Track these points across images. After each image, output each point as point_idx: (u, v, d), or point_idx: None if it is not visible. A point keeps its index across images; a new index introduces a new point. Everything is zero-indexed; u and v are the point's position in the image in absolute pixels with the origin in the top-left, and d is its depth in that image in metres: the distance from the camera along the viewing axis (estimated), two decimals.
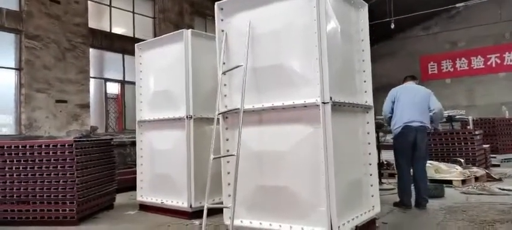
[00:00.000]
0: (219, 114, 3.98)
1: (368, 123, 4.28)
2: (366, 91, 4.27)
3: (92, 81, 9.93)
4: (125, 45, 10.51)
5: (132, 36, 11.12)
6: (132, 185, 5.96)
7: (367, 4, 4.37)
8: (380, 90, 5.78)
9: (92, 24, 10.03)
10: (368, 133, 4.27)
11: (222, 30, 4.15)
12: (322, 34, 3.51)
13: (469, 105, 17.07)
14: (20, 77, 8.55)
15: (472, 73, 17.79)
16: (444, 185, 6.46)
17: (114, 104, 10.86)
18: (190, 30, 5.06)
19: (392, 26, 12.72)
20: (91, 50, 9.89)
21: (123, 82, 10.86)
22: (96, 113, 10.24)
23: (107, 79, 10.59)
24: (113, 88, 10.91)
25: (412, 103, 5.17)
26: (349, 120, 4.00)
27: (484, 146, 9.01)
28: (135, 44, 5.71)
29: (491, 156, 9.71)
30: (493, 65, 17.51)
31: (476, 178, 7.10)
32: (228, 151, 4.04)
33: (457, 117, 11.12)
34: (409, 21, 15.68)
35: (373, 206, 4.21)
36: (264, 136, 3.86)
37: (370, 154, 4.26)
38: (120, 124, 10.88)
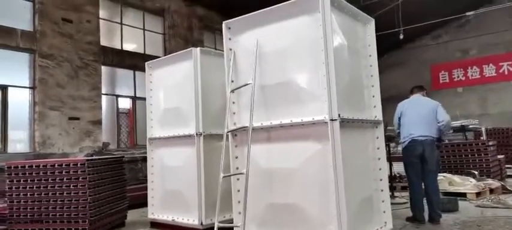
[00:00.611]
0: (228, 131, 4.01)
1: (378, 137, 4.25)
2: (375, 106, 4.25)
3: (103, 98, 10.09)
4: (135, 62, 10.68)
5: (142, 52, 11.30)
6: (144, 201, 5.99)
7: (373, 20, 4.39)
8: (390, 100, 5.76)
9: (104, 42, 10.23)
10: (378, 148, 4.24)
11: (230, 49, 4.20)
12: (329, 51, 3.52)
13: (482, 114, 16.82)
14: (33, 95, 8.73)
15: (484, 82, 17.58)
16: (458, 198, 6.34)
17: (125, 119, 10.98)
18: (199, 48, 5.13)
19: (401, 37, 12.66)
20: (103, 67, 10.06)
21: (134, 98, 11.01)
22: (108, 129, 10.37)
23: (118, 96, 10.75)
24: (125, 103, 11.05)
25: (419, 117, 5.12)
26: (358, 136, 3.98)
27: (499, 157, 8.84)
28: (146, 62, 5.80)
29: (507, 166, 9.52)
30: (506, 73, 17.27)
31: (491, 191, 6.95)
32: (237, 168, 4.05)
33: (470, 126, 10.95)
34: (418, 31, 15.61)
35: (385, 223, 4.16)
36: (273, 153, 3.87)
37: (380, 169, 4.22)
38: (132, 140, 10.99)
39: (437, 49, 18.11)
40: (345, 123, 3.59)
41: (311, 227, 3.57)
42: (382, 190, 4.20)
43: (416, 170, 5.09)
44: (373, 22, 4.39)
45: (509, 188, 7.29)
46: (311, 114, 3.61)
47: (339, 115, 3.47)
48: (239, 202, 3.99)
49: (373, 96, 4.27)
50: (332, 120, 3.46)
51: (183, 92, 5.15)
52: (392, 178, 7.34)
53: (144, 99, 6.11)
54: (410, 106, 5.24)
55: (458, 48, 17.88)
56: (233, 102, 4.14)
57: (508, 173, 9.46)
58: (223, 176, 3.77)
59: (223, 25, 4.22)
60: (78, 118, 9.25)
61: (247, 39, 4.08)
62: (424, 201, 5.11)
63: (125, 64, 10.73)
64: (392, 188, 7.04)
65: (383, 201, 4.19)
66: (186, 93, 5.09)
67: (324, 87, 3.54)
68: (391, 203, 4.50)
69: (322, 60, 3.55)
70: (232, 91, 4.07)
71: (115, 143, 10.47)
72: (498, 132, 10.74)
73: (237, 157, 4.09)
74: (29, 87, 8.76)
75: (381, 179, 4.22)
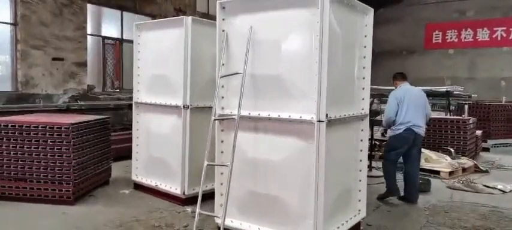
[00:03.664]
0: (215, 119, 3.99)
1: (362, 130, 4.33)
2: (363, 99, 4.27)
3: (89, 39, 9.74)
4: (123, 2, 10.18)
5: None
6: (128, 154, 5.95)
7: (372, 9, 4.24)
8: (382, 55, 5.80)
9: None
10: (361, 140, 4.33)
11: (223, 30, 4.04)
12: (323, 51, 3.42)
13: (469, 78, 17.00)
14: (15, 32, 8.37)
15: (476, 45, 17.54)
16: (432, 175, 6.68)
17: (112, 51, 10.61)
18: (190, 17, 4.92)
19: None
20: (88, 5, 9.59)
21: (121, 41, 10.66)
22: (94, 71, 10.15)
23: (104, 37, 10.38)
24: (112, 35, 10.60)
25: (417, 107, 5.32)
26: (344, 131, 4.02)
27: (477, 132, 9.13)
28: (134, 23, 5.55)
29: (483, 140, 9.88)
30: (499, 38, 17.22)
31: (464, 169, 7.27)
32: (222, 152, 4.09)
33: (455, 92, 11.08)
34: None
35: (359, 210, 4.36)
36: (259, 143, 3.90)
37: (361, 160, 4.35)
38: (118, 78, 10.79)
39: (434, 8, 17.77)
40: (331, 122, 3.61)
41: (290, 219, 3.72)
42: (360, 180, 4.36)
43: (400, 154, 5.40)
44: (371, 12, 4.25)
45: (481, 167, 7.62)
46: (299, 112, 3.59)
47: (327, 115, 3.48)
48: (222, 184, 4.09)
49: (363, 88, 4.26)
50: (319, 121, 3.47)
51: (171, 60, 5.01)
52: (371, 146, 7.52)
53: (132, 41, 5.88)
54: (407, 96, 5.34)
55: (456, 8, 17.59)
56: (222, 86, 4.07)
57: (483, 146, 9.87)
58: (208, 165, 3.83)
59: (218, 4, 4.01)
60: (62, 59, 8.99)
61: (241, 22, 3.91)
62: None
63: (112, 4, 10.23)
64: (370, 157, 7.20)
65: (360, 190, 4.37)
66: (174, 62, 4.96)
67: (314, 87, 3.49)
68: (368, 176, 4.65)
69: (315, 59, 3.47)
70: (222, 77, 3.98)
71: (100, 86, 10.30)
72: (480, 107, 10.96)
73: (222, 142, 4.11)
74: (11, 23, 8.35)
75: (360, 170, 4.35)
